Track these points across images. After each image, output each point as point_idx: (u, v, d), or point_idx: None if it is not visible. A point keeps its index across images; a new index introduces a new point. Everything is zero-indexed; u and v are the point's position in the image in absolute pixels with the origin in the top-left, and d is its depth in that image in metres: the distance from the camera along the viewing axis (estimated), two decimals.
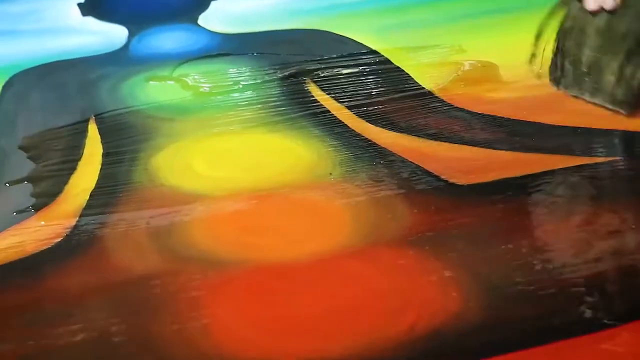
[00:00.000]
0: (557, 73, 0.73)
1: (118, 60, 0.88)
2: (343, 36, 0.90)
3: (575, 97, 0.71)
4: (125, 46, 0.92)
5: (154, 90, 0.81)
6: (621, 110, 0.69)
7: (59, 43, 0.93)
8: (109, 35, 0.94)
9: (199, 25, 0.95)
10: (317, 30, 0.92)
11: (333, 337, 0.49)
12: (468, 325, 0.49)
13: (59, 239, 0.60)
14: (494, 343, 0.48)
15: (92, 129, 0.75)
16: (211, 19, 0.96)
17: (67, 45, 0.93)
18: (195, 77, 0.83)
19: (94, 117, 0.77)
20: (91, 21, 0.97)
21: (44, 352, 0.50)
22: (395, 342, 0.49)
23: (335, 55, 0.85)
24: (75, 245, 0.59)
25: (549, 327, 0.49)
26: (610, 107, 0.69)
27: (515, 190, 0.62)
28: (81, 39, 0.94)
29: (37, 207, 0.64)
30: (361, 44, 0.88)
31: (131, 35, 0.94)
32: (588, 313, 0.50)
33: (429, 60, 0.83)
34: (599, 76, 0.70)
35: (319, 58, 0.85)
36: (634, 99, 0.68)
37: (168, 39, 0.94)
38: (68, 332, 0.51)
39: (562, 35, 0.73)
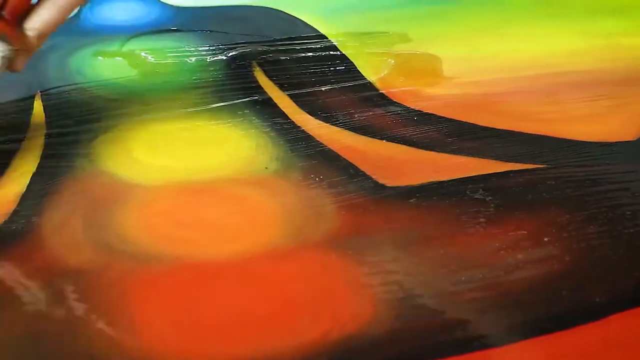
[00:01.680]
0: None
1: (68, 31, 0.88)
2: (294, 17, 0.91)
3: None
4: (77, 15, 0.92)
5: (102, 67, 0.82)
6: None
7: None
8: None
9: None
10: (268, 8, 0.93)
11: (249, 341, 0.51)
12: (379, 334, 0.52)
13: None
14: (402, 354, 0.51)
15: (38, 106, 0.76)
16: None
17: None
18: (143, 54, 0.84)
19: (39, 93, 0.77)
20: None
21: None
22: (309, 349, 0.51)
23: (283, 38, 0.86)
24: (12, 233, 0.60)
25: (462, 337, 0.52)
26: None
27: (442, 195, 0.64)
28: None
29: None
30: (310, 26, 0.89)
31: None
32: (503, 325, 0.52)
33: (374, 48, 0.85)
34: None
35: (267, 39, 0.86)
36: None
37: (120, 9, 0.94)
38: None
39: None
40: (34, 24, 0.61)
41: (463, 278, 0.56)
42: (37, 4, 0.61)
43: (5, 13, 0.58)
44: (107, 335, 0.52)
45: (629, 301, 0.54)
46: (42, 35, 0.61)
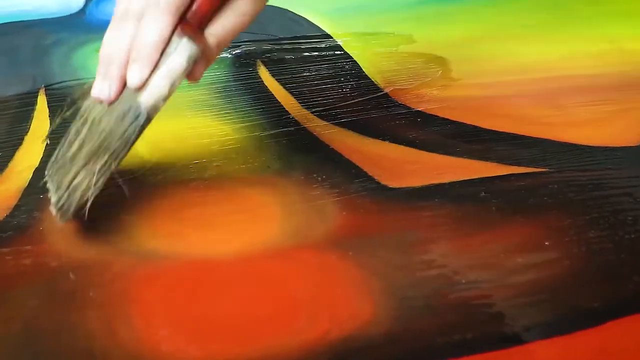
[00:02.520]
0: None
1: (73, 26, 0.89)
2: (299, 16, 0.91)
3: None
4: (82, 10, 0.92)
5: None
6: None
7: (16, 0, 0.94)
8: None
9: None
10: (274, 6, 0.93)
11: (247, 341, 0.51)
12: (377, 336, 0.52)
13: None
14: (401, 355, 0.51)
15: (41, 101, 0.76)
16: None
17: (25, 3, 0.93)
18: None
19: (44, 88, 0.78)
20: None
21: None
22: (307, 349, 0.51)
23: (288, 37, 0.86)
24: (14, 227, 0.61)
25: (460, 340, 0.52)
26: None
27: (444, 198, 0.64)
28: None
29: None
30: (316, 26, 0.89)
31: None
32: (501, 328, 0.52)
33: (379, 49, 0.85)
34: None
35: (272, 38, 0.86)
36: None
37: None
38: None
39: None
40: (215, 30, 0.57)
41: (463, 281, 0.56)
42: (218, 11, 0.57)
43: (189, 17, 0.55)
44: (107, 332, 0.52)
45: (629, 307, 0.54)
46: (221, 44, 0.57)
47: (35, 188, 0.65)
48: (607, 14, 0.94)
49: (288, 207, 0.63)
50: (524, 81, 0.80)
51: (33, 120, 0.73)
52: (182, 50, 0.55)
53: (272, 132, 0.72)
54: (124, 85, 0.55)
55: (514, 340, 0.51)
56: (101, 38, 0.84)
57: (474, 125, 0.73)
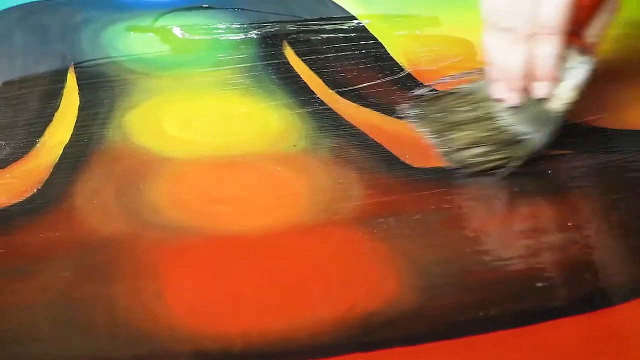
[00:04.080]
0: None
1: (102, 5, 0.90)
2: None
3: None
4: None
5: (134, 41, 0.83)
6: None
7: None
8: None
9: None
10: None
11: (274, 314, 0.53)
12: (402, 311, 0.53)
13: (30, 193, 0.63)
14: (425, 331, 0.52)
15: (71, 78, 0.77)
16: None
17: None
18: (175, 30, 0.85)
19: (73, 66, 0.79)
20: None
21: (7, 308, 0.53)
22: (333, 323, 0.52)
23: (314, 18, 0.87)
24: (46, 201, 0.62)
25: (483, 317, 0.52)
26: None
27: (469, 178, 0.64)
28: None
29: (11, 160, 0.66)
30: (341, 7, 0.89)
31: None
32: (524, 306, 0.53)
33: (404, 31, 0.85)
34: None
35: (298, 19, 0.87)
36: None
37: None
38: (29, 290, 0.54)
39: None
40: (594, 32, 0.62)
41: (487, 259, 0.57)
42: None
43: (575, 29, 0.61)
44: (138, 305, 0.53)
45: None
46: (598, 40, 0.63)
47: (66, 163, 0.66)
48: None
49: (314, 185, 0.64)
50: None
51: (63, 98, 0.74)
52: (581, 63, 0.62)
53: (298, 111, 0.72)
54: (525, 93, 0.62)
55: (537, 318, 0.52)
56: (130, 17, 0.86)
57: None
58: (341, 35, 0.84)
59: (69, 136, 0.69)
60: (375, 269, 0.56)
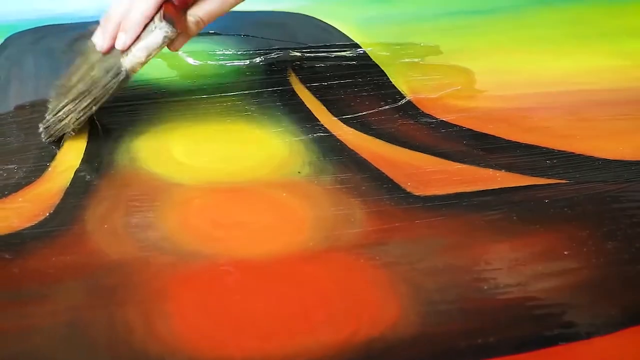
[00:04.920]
0: None
1: None
2: (328, 24, 0.94)
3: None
4: None
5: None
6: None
7: (54, 5, 0.97)
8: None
9: None
10: (303, 15, 0.96)
11: (277, 339, 0.54)
12: (403, 337, 0.55)
13: (42, 217, 0.64)
14: (425, 357, 0.54)
15: None
16: None
17: (64, 6, 0.96)
18: (183, 56, 0.87)
19: None
20: None
21: (19, 331, 0.55)
22: (336, 348, 0.54)
23: (318, 45, 0.89)
24: (57, 225, 0.64)
25: (482, 344, 0.54)
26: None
27: (468, 206, 0.66)
28: (78, 1, 0.98)
29: (23, 184, 0.68)
30: (344, 34, 0.92)
31: None
32: (522, 334, 0.55)
33: (406, 59, 0.87)
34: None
35: (302, 46, 0.89)
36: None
37: None
38: (42, 313, 0.56)
39: None
40: (197, 12, 0.69)
41: (485, 287, 0.59)
42: None
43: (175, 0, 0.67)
44: (146, 328, 0.55)
45: None
46: (200, 24, 0.69)
47: (77, 188, 0.67)
48: (628, 29, 0.96)
49: (318, 211, 0.66)
50: (545, 94, 0.82)
51: None
52: (160, 30, 0.68)
53: (302, 138, 0.74)
54: (111, 40, 0.69)
55: (534, 345, 0.54)
56: None
57: (496, 136, 0.75)
58: (344, 62, 0.86)
59: (80, 161, 0.71)
60: (378, 295, 0.58)
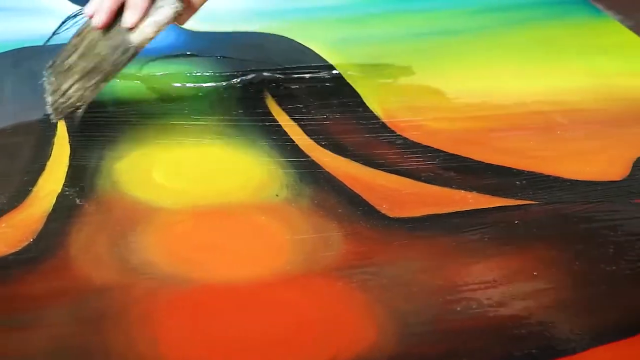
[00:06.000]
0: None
1: None
2: (304, 45, 0.96)
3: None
4: None
5: (121, 89, 0.87)
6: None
7: (34, 25, 0.98)
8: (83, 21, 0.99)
9: None
10: (280, 36, 0.98)
11: None
12: (382, 358, 0.57)
13: (26, 243, 0.66)
14: None
15: (61, 126, 0.80)
16: None
17: (42, 28, 0.97)
18: (160, 78, 0.89)
19: None
20: (69, 5, 1.02)
21: (4, 358, 0.56)
22: None
23: (293, 66, 0.91)
24: (41, 251, 0.65)
25: None
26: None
27: (441, 228, 0.69)
28: (57, 23, 0.99)
29: (6, 210, 0.69)
30: (319, 56, 0.94)
31: None
32: (493, 356, 0.58)
33: (380, 80, 0.90)
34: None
35: (278, 67, 0.91)
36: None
37: None
38: (29, 339, 0.58)
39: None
40: None
41: (458, 309, 0.61)
42: None
43: None
44: (131, 353, 0.56)
45: (610, 336, 0.59)
46: None
47: (59, 213, 0.69)
48: (596, 48, 0.99)
49: (296, 235, 0.67)
50: (516, 115, 0.85)
51: (54, 146, 0.77)
52: (170, 6, 0.70)
53: (279, 159, 0.76)
54: (112, 18, 0.70)
55: None
56: None
57: (467, 158, 0.78)
58: (319, 84, 0.88)
59: (61, 185, 0.72)
60: (355, 318, 0.60)
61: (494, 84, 0.90)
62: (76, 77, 0.73)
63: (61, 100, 0.74)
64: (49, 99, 0.75)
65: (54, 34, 0.94)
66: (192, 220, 0.69)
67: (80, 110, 0.74)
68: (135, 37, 0.71)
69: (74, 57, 0.74)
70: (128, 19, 0.70)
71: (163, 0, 0.70)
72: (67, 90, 0.74)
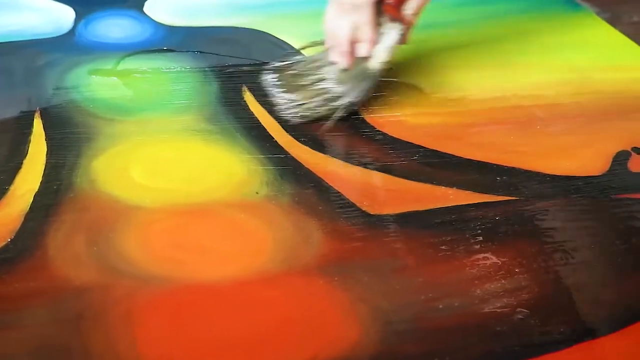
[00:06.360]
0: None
1: (65, 47, 0.92)
2: (281, 40, 0.96)
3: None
4: (72, 31, 0.96)
5: (98, 85, 0.86)
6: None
7: (8, 20, 0.97)
8: (57, 15, 0.98)
9: (145, 14, 1.00)
10: (257, 30, 0.98)
11: None
12: (364, 358, 0.57)
13: (4, 243, 0.65)
14: None
15: (37, 124, 0.79)
16: (157, 8, 1.01)
17: (16, 23, 0.96)
18: (137, 74, 0.88)
19: (39, 111, 0.81)
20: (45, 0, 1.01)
21: None
22: None
23: (271, 61, 0.90)
24: (19, 251, 0.64)
25: None
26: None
27: (421, 225, 0.68)
28: (31, 17, 0.98)
29: None
30: (296, 50, 0.93)
31: (78, 17, 0.98)
32: (476, 353, 0.58)
33: None
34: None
35: (256, 62, 0.90)
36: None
37: (114, 26, 0.98)
38: (10, 339, 0.57)
39: None
40: (411, 5, 0.79)
41: (440, 306, 0.61)
42: None
43: (391, 1, 0.78)
44: (111, 353, 0.56)
45: (593, 332, 0.59)
46: (417, 13, 0.80)
47: (37, 212, 0.68)
48: (573, 41, 0.99)
49: (277, 233, 0.67)
50: (494, 110, 0.85)
51: (30, 144, 0.76)
52: (394, 30, 0.80)
53: (259, 156, 0.76)
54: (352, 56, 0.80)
55: None
56: (92, 60, 0.88)
57: (447, 153, 0.77)
58: None
59: (39, 184, 0.71)
60: (337, 317, 0.60)
61: (473, 78, 0.90)
62: (323, 98, 0.82)
63: (310, 111, 0.82)
64: (299, 100, 0.82)
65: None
66: (171, 219, 0.69)
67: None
68: (374, 63, 0.81)
69: (315, 77, 0.83)
70: (364, 50, 0.80)
71: (386, 27, 0.80)
72: (313, 104, 0.82)
